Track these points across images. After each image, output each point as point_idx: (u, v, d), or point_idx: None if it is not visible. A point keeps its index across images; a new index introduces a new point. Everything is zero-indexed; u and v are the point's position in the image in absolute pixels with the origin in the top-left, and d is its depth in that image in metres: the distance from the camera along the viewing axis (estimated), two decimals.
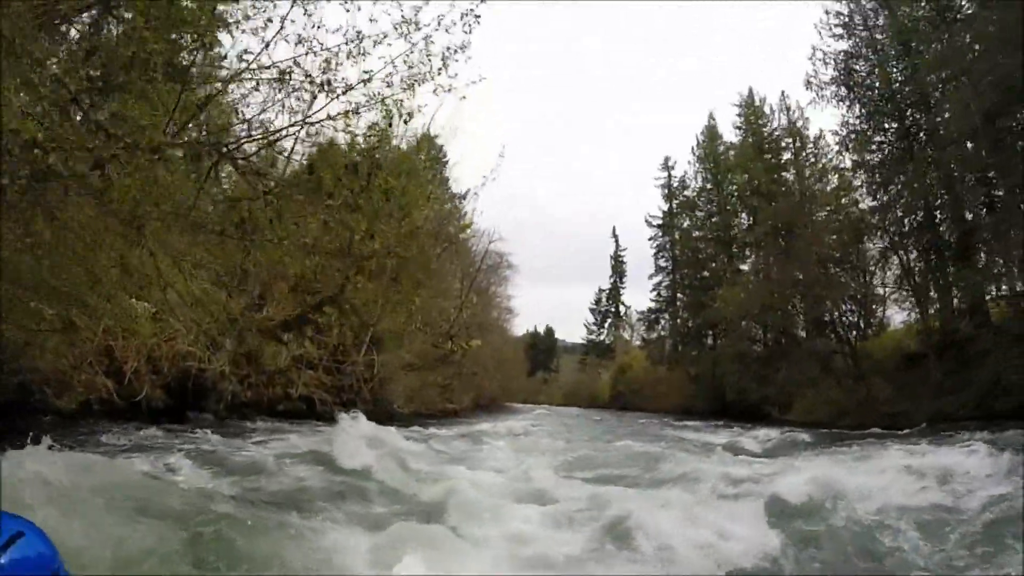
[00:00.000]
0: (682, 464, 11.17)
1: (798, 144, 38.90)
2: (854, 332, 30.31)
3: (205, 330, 9.63)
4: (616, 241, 71.53)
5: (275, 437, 13.97)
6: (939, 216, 26.39)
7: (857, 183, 30.58)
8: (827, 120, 56.98)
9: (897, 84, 27.98)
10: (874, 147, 29.05)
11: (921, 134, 27.16)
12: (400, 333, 21.09)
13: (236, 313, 10.80)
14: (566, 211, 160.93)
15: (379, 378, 18.93)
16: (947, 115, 24.36)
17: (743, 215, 45.41)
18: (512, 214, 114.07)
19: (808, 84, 30.46)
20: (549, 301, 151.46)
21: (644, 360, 55.80)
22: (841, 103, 29.94)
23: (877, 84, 28.72)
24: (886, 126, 28.62)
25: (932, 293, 26.44)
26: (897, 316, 30.65)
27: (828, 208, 32.75)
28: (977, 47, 22.22)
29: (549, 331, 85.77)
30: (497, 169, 18.72)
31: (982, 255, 24.43)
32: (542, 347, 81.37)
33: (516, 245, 67.07)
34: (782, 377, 30.91)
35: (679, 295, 53.62)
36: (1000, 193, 23.04)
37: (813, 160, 37.40)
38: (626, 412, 44.18)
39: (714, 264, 47.09)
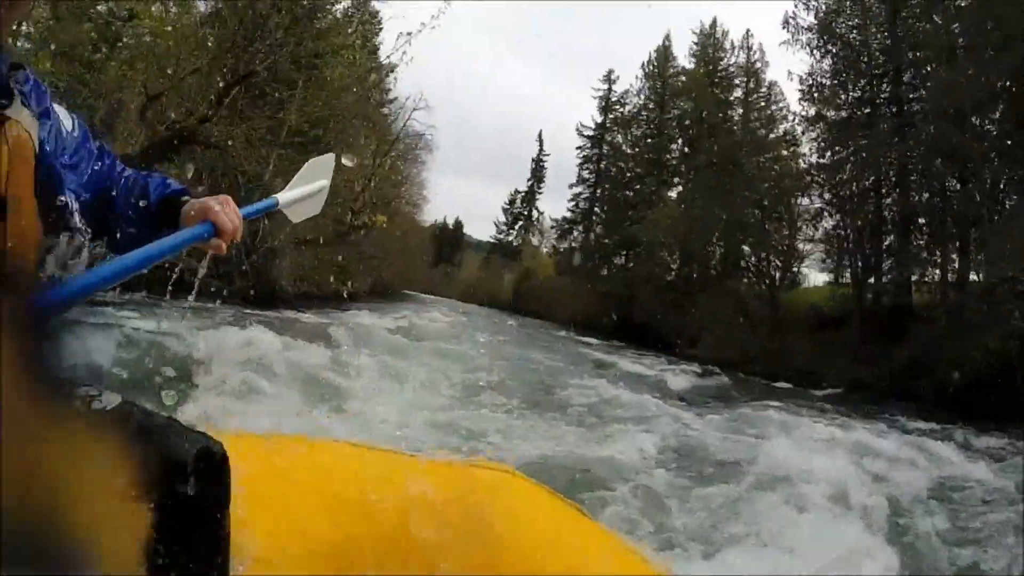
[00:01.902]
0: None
1: (752, 85, 38.64)
2: (767, 281, 29.87)
3: None
4: (541, 144, 69.98)
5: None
6: (885, 189, 26.64)
7: (812, 136, 30.52)
8: (784, 71, 56.60)
9: (876, 51, 27.66)
10: (839, 103, 28.91)
11: (884, 107, 27.15)
12: None
13: None
14: (492, 107, 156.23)
15: (263, 250, 16.23)
16: (926, 93, 24.27)
17: (680, 142, 45.01)
18: (435, 96, 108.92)
19: (786, 24, 29.91)
20: (462, 194, 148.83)
21: (551, 268, 55.11)
22: (815, 52, 29.56)
23: (856, 42, 28.35)
24: (851, 87, 28.56)
25: (859, 262, 26.79)
26: (813, 276, 31.59)
27: (769, 155, 32.44)
28: (962, 40, 22.17)
29: (458, 224, 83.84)
30: (439, 17, 15.98)
31: (915, 239, 25.04)
32: (448, 240, 79.52)
33: (435, 130, 63.74)
34: (698, 310, 30.11)
35: (597, 209, 53.24)
36: (953, 184, 23.43)
37: (763, 105, 37.22)
38: (526, 317, 43.55)
39: (640, 185, 46.67)
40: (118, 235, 1.52)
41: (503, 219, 71.48)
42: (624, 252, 45.82)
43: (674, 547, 4.51)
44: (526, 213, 70.53)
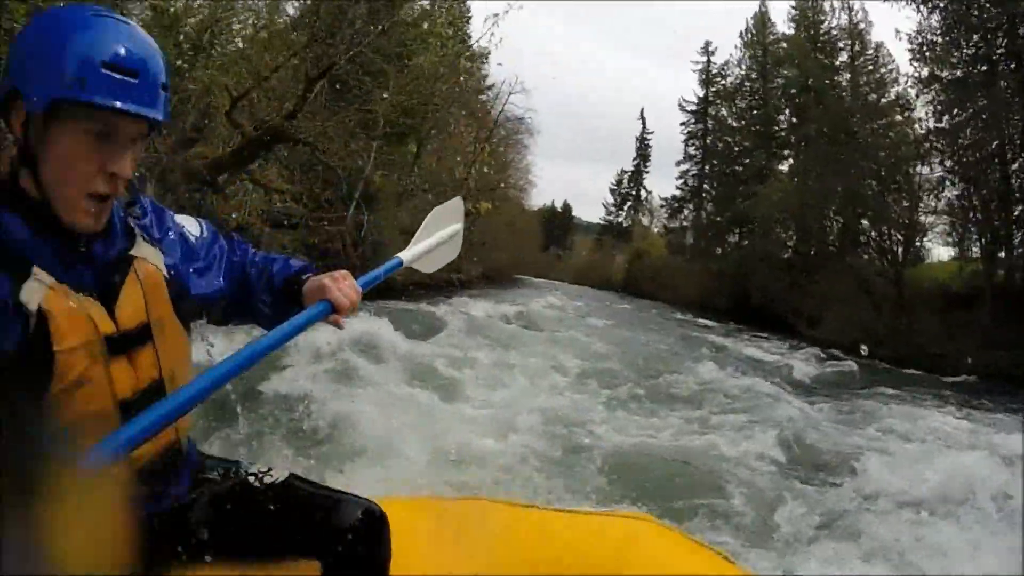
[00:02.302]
0: None
1: (857, 48, 36.36)
2: (889, 257, 28.12)
3: None
4: (643, 123, 68.83)
5: None
6: (1011, 154, 24.38)
7: (927, 99, 27.99)
8: (891, 30, 53.20)
9: (986, 2, 25.11)
10: (953, 61, 26.48)
11: (1002, 63, 24.64)
12: (397, 191, 18.77)
13: (161, 151, 8.55)
14: (593, 88, 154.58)
15: (370, 242, 16.56)
16: None
17: (787, 112, 43.18)
18: (534, 82, 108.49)
19: None
20: (569, 178, 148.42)
21: (663, 248, 54.30)
22: (922, 7, 27.00)
23: None
24: (964, 44, 26.06)
25: (988, 235, 24.89)
26: (937, 251, 29.80)
27: (882, 121, 30.48)
28: None
29: (567, 207, 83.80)
30: None
31: None
32: (558, 223, 79.55)
33: (538, 117, 63.55)
34: (818, 289, 28.78)
35: (706, 186, 52.08)
36: None
37: (872, 68, 35.01)
38: (638, 299, 43.26)
39: (749, 159, 45.14)
40: (258, 315, 1.66)
41: (611, 200, 70.93)
42: (737, 229, 44.57)
43: (782, 555, 4.31)
44: (634, 193, 69.75)
